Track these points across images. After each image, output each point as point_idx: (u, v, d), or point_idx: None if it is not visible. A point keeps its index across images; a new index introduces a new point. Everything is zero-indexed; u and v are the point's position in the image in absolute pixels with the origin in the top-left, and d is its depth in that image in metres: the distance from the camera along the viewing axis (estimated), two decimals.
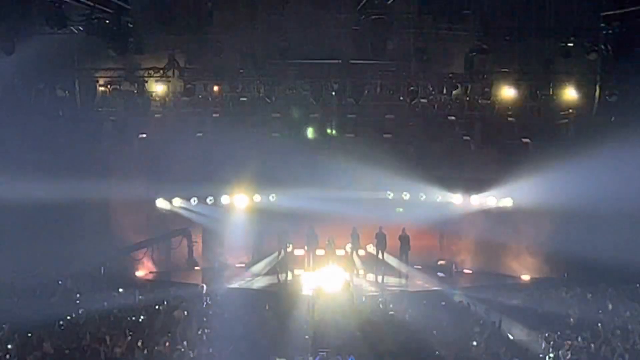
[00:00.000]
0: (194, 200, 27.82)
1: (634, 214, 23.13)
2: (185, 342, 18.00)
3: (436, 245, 29.16)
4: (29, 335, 18.17)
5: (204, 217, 28.06)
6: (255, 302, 22.46)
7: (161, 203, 27.69)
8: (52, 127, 23.36)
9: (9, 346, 17.37)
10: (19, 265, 24.24)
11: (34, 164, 23.00)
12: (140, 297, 22.97)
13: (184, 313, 21.10)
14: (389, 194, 27.91)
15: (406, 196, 27.77)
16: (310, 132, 26.11)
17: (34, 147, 23.20)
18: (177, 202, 27.84)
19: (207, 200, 27.90)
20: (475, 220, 27.48)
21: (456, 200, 27.46)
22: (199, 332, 19.11)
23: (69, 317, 20.19)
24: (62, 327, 19.22)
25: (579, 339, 18.72)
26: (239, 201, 28.14)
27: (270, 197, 28.14)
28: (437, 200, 27.56)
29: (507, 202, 27.02)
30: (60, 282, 24.10)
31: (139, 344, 17.78)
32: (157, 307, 21.97)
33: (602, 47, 20.82)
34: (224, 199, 28.02)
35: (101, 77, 24.19)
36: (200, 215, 28.04)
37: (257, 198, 28.28)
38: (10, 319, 18.98)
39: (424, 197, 27.58)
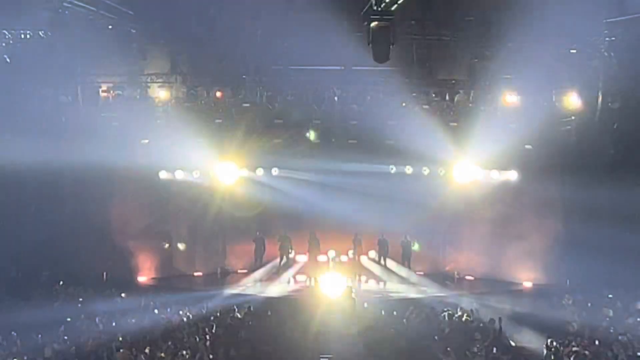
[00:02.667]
0: (197, 173, 27.39)
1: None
2: (186, 349, 17.99)
3: (438, 251, 29.17)
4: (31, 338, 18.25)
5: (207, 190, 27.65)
6: (256, 308, 22.43)
7: (164, 175, 27.47)
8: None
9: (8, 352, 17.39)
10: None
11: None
12: (142, 302, 22.95)
13: (184, 319, 21.09)
14: (392, 168, 27.55)
15: (409, 170, 27.49)
16: (312, 135, 25.93)
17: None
18: (180, 174, 27.49)
19: (210, 172, 27.19)
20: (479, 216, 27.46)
21: (459, 174, 27.02)
22: (201, 339, 19.08)
23: (70, 322, 20.23)
24: (64, 332, 19.21)
25: (581, 346, 18.68)
26: (242, 174, 27.50)
27: (273, 171, 27.49)
28: (440, 174, 27.22)
29: (511, 175, 26.83)
30: (62, 283, 24.18)
31: (141, 349, 17.78)
32: (158, 312, 22.01)
33: (605, 53, 20.84)
34: (226, 172, 27.33)
35: (104, 82, 24.21)
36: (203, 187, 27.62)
37: (260, 171, 27.60)
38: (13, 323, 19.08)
39: (427, 171, 27.32)
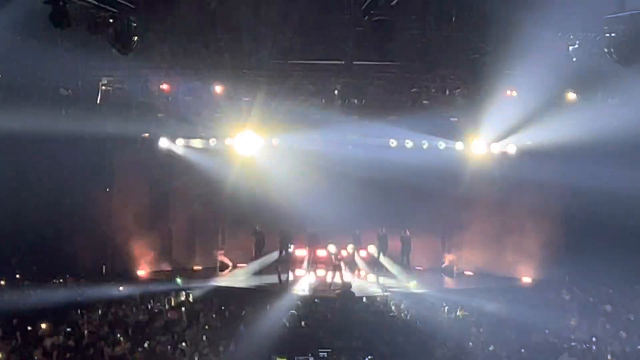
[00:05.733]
0: (198, 142, 27.20)
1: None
2: (185, 342, 18.02)
3: (438, 246, 29.24)
4: (29, 331, 18.27)
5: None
6: (255, 301, 22.48)
7: (164, 143, 27.37)
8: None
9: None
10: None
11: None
12: (141, 295, 22.98)
13: (184, 312, 21.13)
14: (392, 142, 27.28)
15: (409, 144, 27.28)
16: None
17: None
18: (181, 142, 27.33)
19: (210, 142, 27.23)
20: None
21: (458, 146, 26.94)
22: (199, 332, 19.12)
23: (70, 315, 20.26)
24: (64, 325, 19.24)
25: (580, 341, 18.72)
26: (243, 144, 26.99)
27: (273, 141, 27.17)
28: (440, 148, 27.10)
29: (510, 149, 26.79)
30: (61, 281, 24.18)
31: (140, 343, 17.81)
32: (158, 305, 22.04)
33: (605, 50, 20.80)
34: (228, 141, 27.09)
35: (105, 76, 24.17)
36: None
37: (261, 141, 27.13)
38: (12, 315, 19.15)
39: (427, 144, 27.23)
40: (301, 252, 28.12)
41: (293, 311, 21.26)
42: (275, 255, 27.87)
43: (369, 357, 18.35)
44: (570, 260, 25.13)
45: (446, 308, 22.01)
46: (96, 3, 16.85)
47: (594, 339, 18.90)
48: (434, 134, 26.52)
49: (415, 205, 27.28)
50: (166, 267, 28.24)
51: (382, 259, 27.99)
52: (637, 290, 23.42)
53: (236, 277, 27.13)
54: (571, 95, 23.54)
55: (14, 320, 18.96)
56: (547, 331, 19.57)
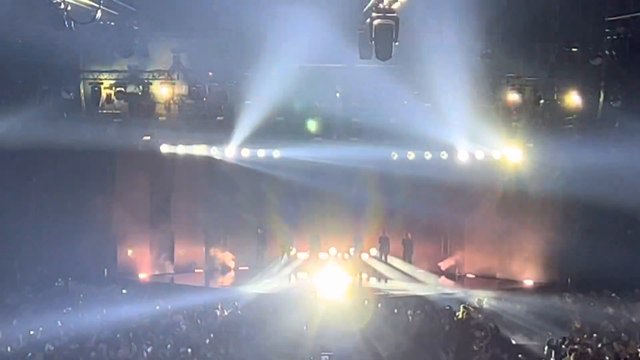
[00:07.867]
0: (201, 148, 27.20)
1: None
2: (188, 346, 17.97)
3: (440, 249, 29.20)
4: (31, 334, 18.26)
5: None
6: (258, 304, 22.45)
7: (166, 149, 27.35)
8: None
9: (9, 348, 17.37)
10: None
11: None
12: (143, 299, 22.95)
13: (186, 316, 21.08)
14: (394, 155, 27.08)
15: (410, 156, 27.17)
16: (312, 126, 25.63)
17: None
18: (182, 149, 27.35)
19: (211, 150, 27.21)
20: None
21: (461, 156, 26.59)
22: (202, 335, 19.08)
23: (71, 318, 20.24)
24: (64, 328, 19.21)
25: (582, 344, 18.65)
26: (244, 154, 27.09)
27: (274, 153, 27.21)
28: (442, 158, 26.89)
29: (514, 157, 26.49)
30: (60, 281, 24.19)
31: (143, 347, 17.76)
32: (159, 309, 22.00)
33: (607, 52, 20.81)
34: (228, 151, 26.99)
35: (106, 79, 24.22)
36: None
37: (261, 153, 27.25)
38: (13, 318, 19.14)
39: (430, 155, 27.04)
40: (303, 255, 28.11)
41: (295, 314, 21.24)
42: (277, 258, 27.88)
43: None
44: (573, 263, 25.07)
45: (448, 311, 21.94)
46: (97, 5, 16.85)
47: (597, 340, 18.85)
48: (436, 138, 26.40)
49: (417, 208, 27.22)
50: (168, 270, 28.20)
51: (384, 262, 27.98)
52: (638, 293, 23.37)
53: (238, 281, 27.09)
54: None
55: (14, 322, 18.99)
56: (549, 333, 19.54)
